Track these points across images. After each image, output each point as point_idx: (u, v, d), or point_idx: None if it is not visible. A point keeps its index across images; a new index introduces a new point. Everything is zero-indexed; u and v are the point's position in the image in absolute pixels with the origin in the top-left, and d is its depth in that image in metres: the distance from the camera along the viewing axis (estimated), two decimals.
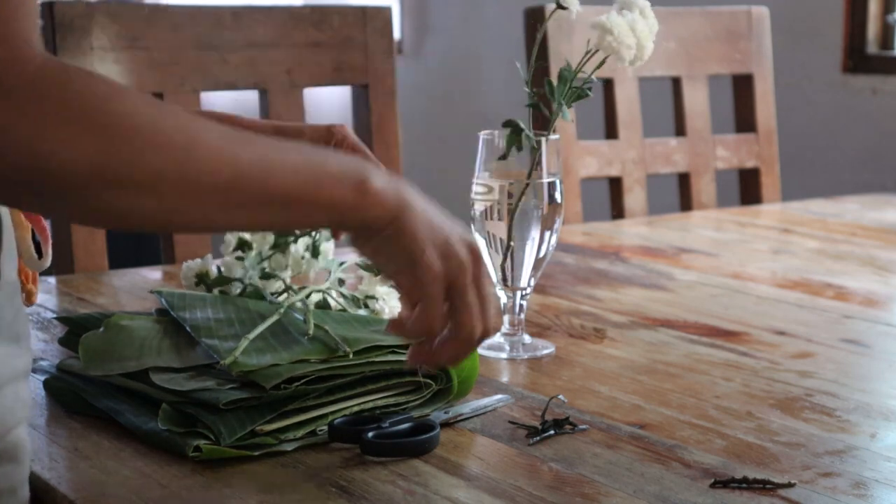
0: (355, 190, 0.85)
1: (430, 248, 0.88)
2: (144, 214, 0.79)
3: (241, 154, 0.81)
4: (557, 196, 1.23)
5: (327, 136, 1.08)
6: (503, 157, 1.21)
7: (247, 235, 1.31)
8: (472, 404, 1.08)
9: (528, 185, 1.22)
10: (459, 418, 1.05)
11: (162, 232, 0.82)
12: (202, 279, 1.32)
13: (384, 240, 0.87)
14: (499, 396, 1.10)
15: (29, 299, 0.98)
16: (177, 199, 0.79)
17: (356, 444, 0.98)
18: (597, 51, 1.20)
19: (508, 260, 1.23)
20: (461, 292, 0.90)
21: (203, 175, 0.79)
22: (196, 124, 0.80)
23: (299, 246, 1.30)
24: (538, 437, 1.02)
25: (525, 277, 1.25)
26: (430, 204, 0.91)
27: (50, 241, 0.98)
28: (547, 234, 1.24)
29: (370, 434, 0.97)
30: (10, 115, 0.73)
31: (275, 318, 1.12)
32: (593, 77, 1.22)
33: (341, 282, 1.29)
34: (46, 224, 0.99)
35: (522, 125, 1.20)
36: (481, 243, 1.25)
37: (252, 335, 1.08)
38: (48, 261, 0.98)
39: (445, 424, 1.04)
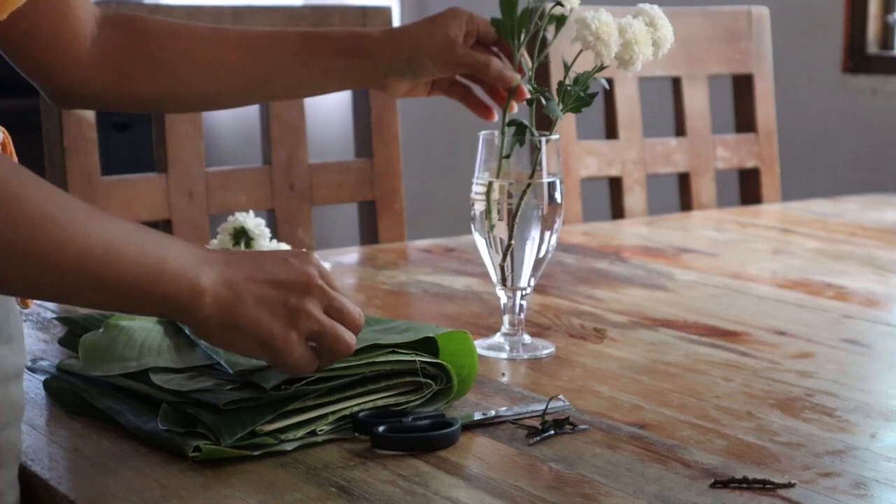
0: (189, 290, 0.88)
1: (276, 324, 0.92)
2: (3, 281, 0.83)
3: (93, 236, 0.83)
4: (557, 196, 1.23)
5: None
6: (507, 155, 1.21)
7: (248, 224, 1.30)
8: (514, 409, 1.08)
9: (529, 185, 1.22)
10: (497, 420, 1.05)
11: (12, 295, 0.90)
12: (238, 236, 1.30)
13: (226, 332, 0.92)
14: (544, 400, 1.09)
15: (24, 302, 0.98)
16: (28, 274, 0.82)
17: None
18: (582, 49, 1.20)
19: (508, 260, 1.23)
20: (320, 335, 0.95)
21: (53, 253, 0.82)
22: (52, 202, 0.82)
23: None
24: (538, 438, 1.02)
25: (525, 277, 1.25)
26: (251, 262, 0.93)
27: None
28: (547, 234, 1.24)
29: (381, 428, 0.98)
30: None
31: None
32: (601, 81, 1.23)
33: None
34: None
35: (527, 124, 1.21)
36: (480, 243, 1.25)
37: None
38: None
39: (477, 424, 1.04)
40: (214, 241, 1.30)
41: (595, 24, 1.18)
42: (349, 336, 0.96)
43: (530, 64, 1.23)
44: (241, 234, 1.29)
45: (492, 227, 1.22)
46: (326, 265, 0.99)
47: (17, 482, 0.93)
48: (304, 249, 1.01)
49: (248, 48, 1.24)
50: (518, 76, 1.21)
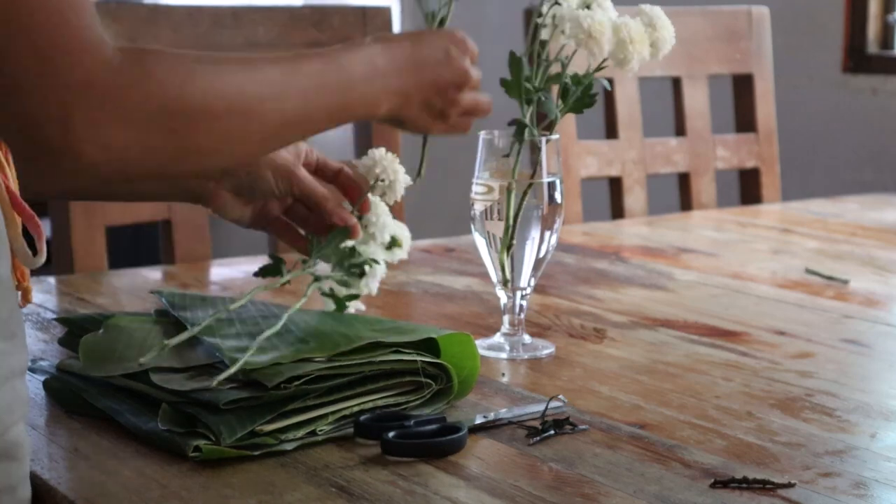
0: (373, 106, 1.05)
1: (433, 121, 1.09)
2: (216, 167, 1.02)
3: (288, 102, 0.96)
4: (557, 196, 1.23)
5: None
6: (507, 154, 1.21)
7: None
8: (516, 410, 1.07)
9: (530, 185, 1.22)
10: (498, 423, 1.05)
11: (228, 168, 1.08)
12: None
13: (394, 123, 1.09)
14: (554, 403, 1.09)
15: (25, 297, 0.98)
16: (240, 152, 0.96)
17: (379, 442, 0.98)
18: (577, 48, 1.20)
19: (508, 260, 1.23)
20: (463, 114, 1.12)
21: (263, 127, 0.95)
22: (252, 84, 0.93)
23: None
24: (538, 438, 1.01)
25: (525, 277, 1.25)
26: (419, 69, 1.07)
27: (44, 238, 0.97)
28: (547, 234, 1.24)
29: (391, 434, 0.98)
30: (97, 120, 0.82)
31: (282, 322, 1.11)
32: (602, 81, 1.23)
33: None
34: (45, 223, 0.99)
35: (528, 123, 1.21)
36: (480, 243, 1.25)
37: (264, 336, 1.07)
38: (42, 257, 0.97)
39: (480, 428, 1.04)
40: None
41: (587, 22, 1.18)
42: (485, 98, 1.13)
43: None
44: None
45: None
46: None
47: (28, 477, 0.93)
48: (457, 32, 1.11)
49: None
50: (354, 220, 1.17)
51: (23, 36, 0.80)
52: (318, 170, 1.21)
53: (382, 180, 1.19)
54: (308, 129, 1.02)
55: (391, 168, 1.19)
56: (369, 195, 1.19)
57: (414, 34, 1.09)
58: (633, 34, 1.19)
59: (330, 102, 1.01)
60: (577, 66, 1.23)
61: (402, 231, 1.23)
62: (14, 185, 0.94)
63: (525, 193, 1.22)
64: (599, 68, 1.22)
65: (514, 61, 1.21)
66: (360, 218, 1.19)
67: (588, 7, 1.21)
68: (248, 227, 1.23)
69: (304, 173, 1.19)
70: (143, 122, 0.84)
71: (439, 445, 0.98)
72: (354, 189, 1.21)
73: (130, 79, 0.83)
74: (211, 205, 1.20)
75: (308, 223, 1.21)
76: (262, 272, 1.16)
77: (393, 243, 1.22)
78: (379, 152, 1.19)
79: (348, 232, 1.17)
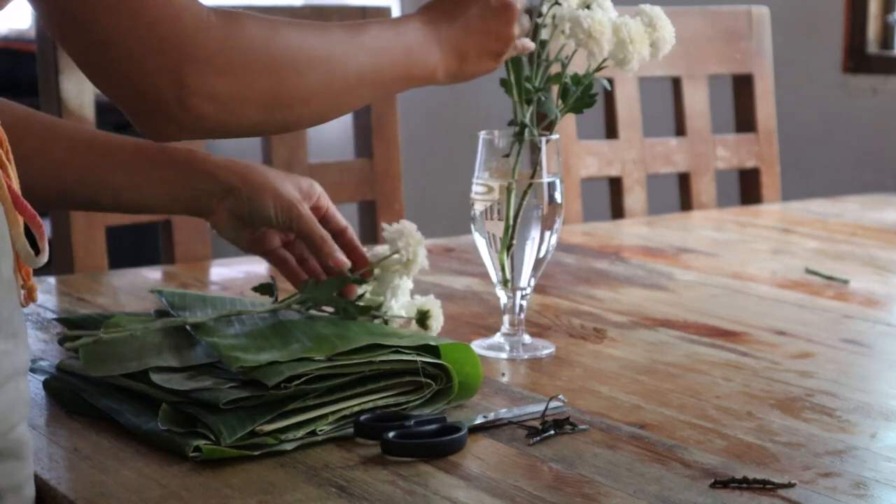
0: (431, 70, 1.12)
1: (492, 63, 1.16)
2: (301, 122, 1.08)
3: (362, 59, 1.06)
4: (557, 196, 1.23)
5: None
6: (508, 154, 1.21)
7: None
8: (516, 410, 1.07)
9: (530, 185, 1.22)
10: (498, 423, 1.05)
11: (313, 126, 1.13)
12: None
13: (462, 79, 1.16)
14: (554, 403, 1.09)
15: (30, 296, 0.98)
16: (324, 105, 1.05)
17: (379, 442, 0.98)
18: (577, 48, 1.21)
19: (508, 260, 1.24)
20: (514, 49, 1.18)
21: (341, 83, 1.04)
22: (328, 40, 1.03)
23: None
24: (538, 438, 1.02)
25: (525, 277, 1.25)
26: (467, 23, 1.14)
27: (46, 238, 0.97)
28: (547, 234, 1.24)
29: (391, 434, 0.98)
30: (204, 76, 0.93)
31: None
32: (602, 81, 1.23)
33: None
34: (45, 222, 0.99)
35: (529, 124, 1.21)
36: (480, 243, 1.25)
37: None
38: (45, 257, 0.97)
39: (480, 428, 1.04)
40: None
41: (588, 22, 1.18)
42: (528, 40, 1.19)
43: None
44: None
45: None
46: None
47: (32, 477, 0.93)
48: None
49: (77, 144, 1.19)
50: (348, 263, 1.19)
51: (128, 8, 0.90)
52: (325, 219, 1.22)
53: (400, 256, 1.19)
54: (378, 88, 1.10)
55: (413, 249, 1.19)
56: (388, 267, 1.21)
57: None
58: (633, 34, 1.19)
59: (395, 61, 1.08)
60: (578, 67, 1.23)
61: (431, 305, 1.24)
62: (16, 184, 0.94)
63: (525, 193, 1.22)
64: (599, 68, 1.22)
65: (514, 61, 1.21)
66: (359, 281, 1.20)
67: (588, 7, 1.21)
68: (245, 251, 1.23)
69: (306, 211, 1.19)
70: (241, 72, 0.95)
71: (439, 445, 0.98)
72: (357, 254, 1.22)
73: (227, 36, 0.94)
74: (210, 220, 1.20)
75: (305, 263, 1.22)
76: (258, 289, 1.20)
77: (424, 317, 1.24)
78: (408, 227, 1.20)
79: (344, 281, 1.19)
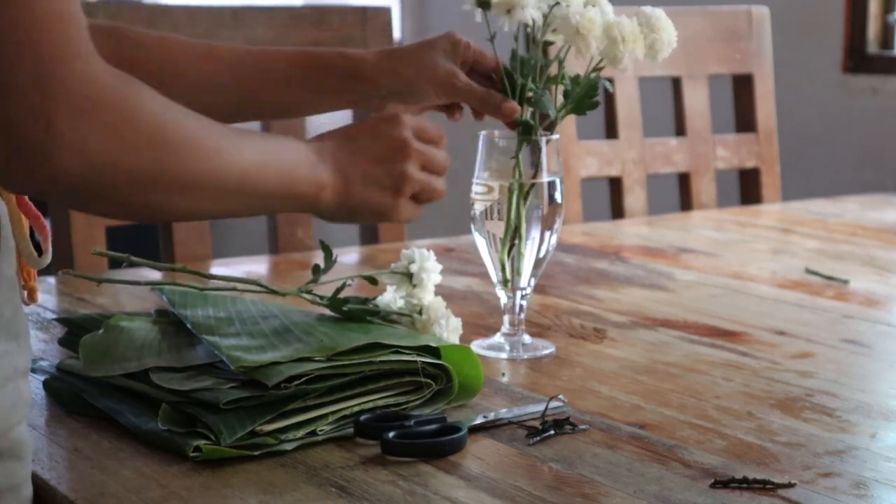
0: (316, 187, 1.00)
1: (386, 197, 1.05)
2: (172, 212, 0.96)
3: (246, 158, 0.95)
4: (557, 196, 1.23)
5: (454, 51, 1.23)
6: (514, 156, 1.21)
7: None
8: (516, 410, 1.07)
9: (533, 185, 1.22)
10: (498, 423, 1.05)
11: (175, 222, 0.99)
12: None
13: (346, 212, 1.04)
14: (554, 403, 1.09)
15: (31, 297, 0.98)
16: (200, 199, 0.93)
17: (379, 442, 0.98)
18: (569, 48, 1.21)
19: (509, 259, 1.24)
20: (424, 189, 1.08)
21: (223, 179, 0.93)
22: (218, 134, 0.93)
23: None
24: (538, 438, 1.01)
25: (525, 277, 1.25)
26: (357, 146, 1.04)
27: (50, 239, 0.98)
28: (547, 234, 1.24)
29: (391, 434, 0.98)
30: (82, 129, 0.82)
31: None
32: (604, 82, 1.22)
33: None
34: (46, 222, 0.99)
35: (533, 123, 1.21)
36: (480, 243, 1.25)
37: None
38: (48, 258, 0.98)
39: (480, 427, 1.04)
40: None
41: (576, 19, 1.18)
42: (440, 184, 1.09)
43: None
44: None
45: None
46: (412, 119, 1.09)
47: (30, 476, 0.93)
48: (391, 112, 1.09)
49: (240, 65, 1.23)
50: (517, 108, 1.21)
51: (22, 37, 0.80)
52: (476, 64, 1.24)
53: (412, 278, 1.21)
54: (260, 199, 0.98)
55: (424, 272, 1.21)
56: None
57: (342, 127, 1.08)
58: (625, 33, 1.19)
59: (280, 170, 0.98)
60: (578, 67, 1.23)
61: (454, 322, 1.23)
62: None
63: (528, 194, 1.22)
64: (597, 69, 1.22)
65: (515, 61, 1.21)
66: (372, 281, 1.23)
67: (585, 7, 1.21)
68: (416, 114, 1.28)
69: (462, 85, 1.22)
70: (122, 139, 0.84)
71: (439, 445, 0.98)
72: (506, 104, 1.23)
73: (118, 96, 0.84)
74: (375, 110, 1.25)
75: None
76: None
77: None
78: (420, 254, 1.21)
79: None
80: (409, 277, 1.21)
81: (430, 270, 1.21)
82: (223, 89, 1.23)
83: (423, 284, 1.20)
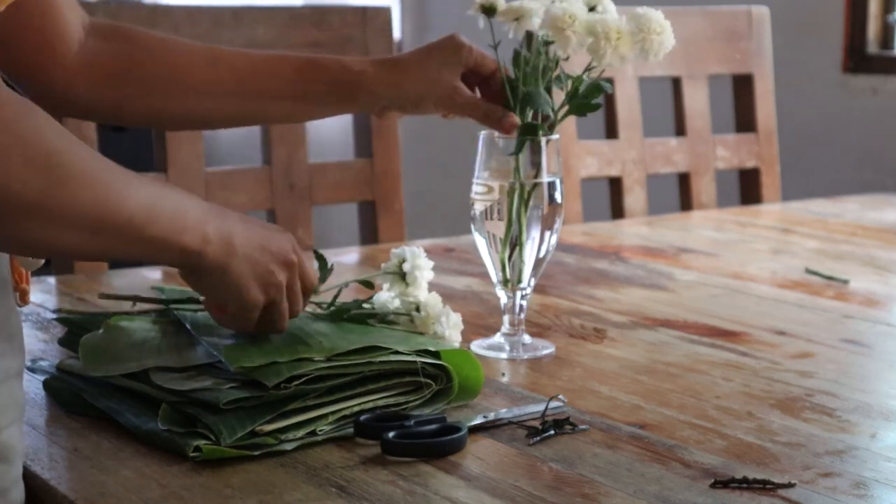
0: (202, 240, 0.97)
1: (254, 285, 1.03)
2: (58, 247, 0.90)
3: (139, 197, 0.92)
4: (557, 196, 1.23)
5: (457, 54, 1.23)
6: (514, 153, 1.21)
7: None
8: (516, 410, 1.07)
9: (535, 185, 1.22)
10: (498, 423, 1.05)
11: (51, 257, 0.96)
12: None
13: (214, 279, 1.01)
14: (554, 403, 1.09)
15: (23, 299, 0.98)
16: (86, 235, 0.89)
17: (379, 442, 0.98)
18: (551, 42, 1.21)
19: (510, 259, 1.24)
20: (277, 307, 1.06)
21: (112, 215, 0.90)
22: (111, 170, 0.90)
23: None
24: (538, 438, 1.01)
25: (525, 277, 1.25)
26: (248, 226, 1.02)
27: None
28: (547, 234, 1.24)
29: (391, 434, 0.98)
30: None
31: None
32: (604, 84, 1.22)
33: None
34: None
35: (536, 124, 1.21)
36: (480, 243, 1.25)
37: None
38: (41, 260, 0.98)
39: (480, 427, 1.04)
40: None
41: (556, 13, 1.18)
42: (287, 313, 1.07)
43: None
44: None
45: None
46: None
47: (21, 480, 0.93)
48: (283, 232, 1.08)
49: (243, 70, 1.23)
50: (517, 122, 1.21)
51: None
52: (476, 68, 1.24)
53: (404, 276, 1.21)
54: (143, 243, 0.93)
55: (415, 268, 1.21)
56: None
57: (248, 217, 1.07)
58: (608, 29, 1.18)
59: (172, 215, 0.95)
60: (578, 67, 1.23)
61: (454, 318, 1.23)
62: None
63: (530, 194, 1.22)
64: (590, 68, 1.21)
65: (517, 61, 1.21)
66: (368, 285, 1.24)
67: (592, 8, 1.21)
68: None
69: (463, 100, 1.22)
70: (10, 161, 0.81)
71: (439, 445, 0.98)
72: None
73: (12, 116, 0.82)
74: (377, 116, 1.28)
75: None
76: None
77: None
78: (411, 252, 1.21)
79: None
80: (402, 276, 1.21)
81: (423, 267, 1.21)
82: (225, 96, 1.23)
83: (417, 282, 1.20)
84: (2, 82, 0.82)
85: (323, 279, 1.17)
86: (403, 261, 1.21)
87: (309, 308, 1.19)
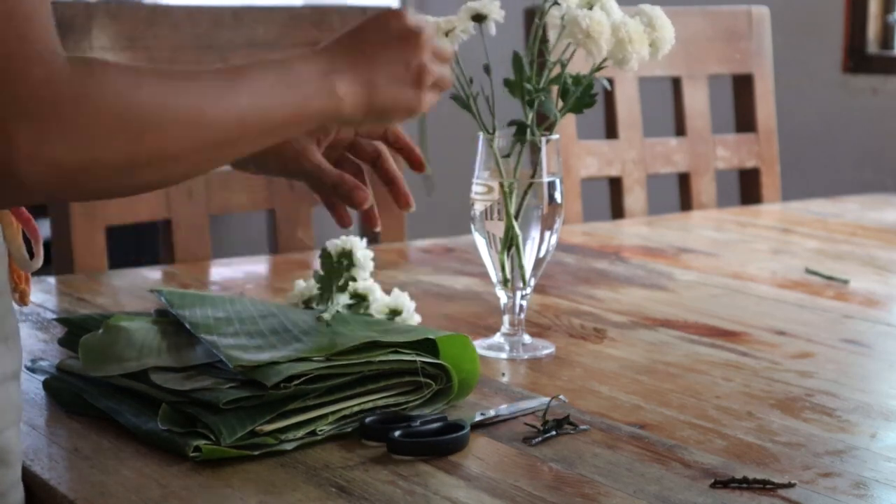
0: (335, 104, 0.97)
1: (409, 91, 1.02)
2: (171, 179, 0.92)
3: (241, 104, 0.91)
4: (557, 196, 1.23)
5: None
6: (507, 155, 1.21)
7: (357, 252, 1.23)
8: (515, 406, 1.08)
9: (531, 184, 1.22)
10: (496, 419, 1.05)
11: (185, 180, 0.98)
12: (343, 258, 1.23)
13: (376, 116, 1.02)
14: (544, 399, 1.09)
15: (23, 300, 0.98)
16: (200, 159, 0.90)
17: (385, 443, 0.99)
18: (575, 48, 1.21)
19: (510, 259, 1.24)
20: (435, 82, 1.05)
21: (217, 134, 0.90)
22: (198, 90, 0.89)
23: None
24: (539, 439, 1.01)
25: (525, 277, 1.25)
26: (364, 46, 1.01)
27: (41, 242, 0.97)
28: (547, 234, 1.24)
29: (397, 433, 0.98)
30: (43, 139, 0.78)
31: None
32: (603, 81, 1.22)
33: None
34: (45, 224, 0.99)
35: (528, 124, 1.21)
36: (480, 243, 1.25)
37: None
38: (39, 261, 0.98)
39: (480, 425, 1.04)
40: (301, 284, 1.26)
41: (586, 22, 1.18)
42: (448, 72, 1.07)
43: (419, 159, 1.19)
44: (347, 257, 1.22)
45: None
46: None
47: (20, 482, 0.93)
48: (390, 8, 1.06)
49: None
50: (370, 199, 1.13)
51: None
52: (354, 147, 1.18)
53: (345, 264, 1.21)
54: (273, 132, 0.95)
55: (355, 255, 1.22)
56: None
57: (349, 30, 1.03)
58: (632, 34, 1.19)
59: (286, 100, 0.95)
60: (578, 66, 1.23)
61: (403, 299, 1.25)
62: None
63: (525, 193, 1.22)
64: (599, 68, 1.22)
65: (516, 62, 1.21)
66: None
67: (591, 7, 1.21)
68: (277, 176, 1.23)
69: (310, 166, 1.13)
70: (91, 134, 0.81)
71: (445, 443, 0.98)
72: (412, 157, 1.19)
73: (80, 91, 0.80)
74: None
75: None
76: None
77: (394, 313, 1.25)
78: (353, 241, 1.22)
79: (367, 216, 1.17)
80: (345, 266, 1.22)
81: (361, 247, 1.23)
82: None
83: (363, 265, 1.22)
84: (62, 55, 0.80)
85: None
86: (345, 251, 1.22)
87: (309, 312, 1.19)
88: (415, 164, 1.19)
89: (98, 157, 0.82)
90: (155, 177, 0.88)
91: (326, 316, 1.15)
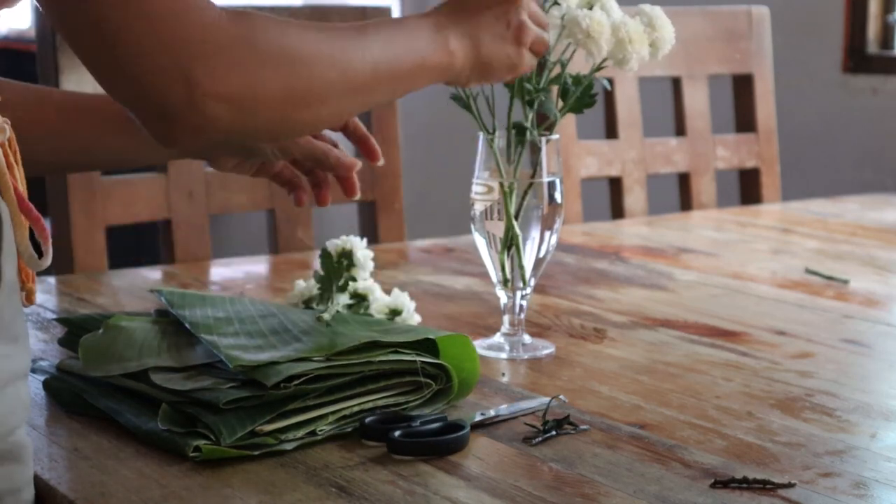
0: (448, 61, 1.07)
1: (511, 48, 1.10)
2: (320, 121, 1.03)
3: (374, 52, 1.01)
4: (557, 196, 1.23)
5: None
6: (509, 159, 1.21)
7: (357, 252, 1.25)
8: (515, 406, 1.08)
9: (531, 184, 1.22)
10: (496, 419, 1.05)
11: (328, 128, 1.14)
12: (343, 258, 1.24)
13: (480, 72, 1.10)
14: (544, 399, 1.09)
15: (29, 298, 0.98)
16: (342, 102, 1.00)
17: (385, 443, 0.99)
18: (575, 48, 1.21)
19: (510, 259, 1.24)
20: (533, 42, 1.12)
21: (356, 78, 1.00)
22: (335, 38, 0.99)
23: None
24: (539, 439, 1.01)
25: (525, 277, 1.25)
26: (467, 4, 1.09)
27: (50, 241, 0.97)
28: (547, 234, 1.24)
29: (397, 433, 0.98)
30: (216, 74, 0.89)
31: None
32: (602, 80, 1.22)
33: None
34: (47, 223, 0.99)
35: (527, 126, 1.21)
36: (480, 243, 1.25)
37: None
38: (48, 260, 0.98)
39: (480, 425, 1.04)
40: (300, 283, 1.27)
41: (586, 22, 1.18)
42: (546, 36, 1.14)
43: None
44: (347, 257, 1.24)
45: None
46: None
47: (32, 481, 0.93)
48: None
49: (70, 111, 1.20)
50: (358, 162, 1.21)
51: (138, 6, 0.87)
52: (318, 138, 1.22)
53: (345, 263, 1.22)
54: (399, 82, 1.04)
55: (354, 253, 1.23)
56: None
57: None
58: (632, 34, 1.19)
59: (409, 51, 1.04)
60: (578, 66, 1.23)
61: (403, 299, 1.26)
62: (22, 187, 0.94)
63: (525, 193, 1.22)
64: (599, 68, 1.22)
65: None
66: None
67: (590, 7, 1.21)
68: (252, 176, 1.28)
69: (300, 142, 1.19)
70: (253, 70, 0.91)
71: (445, 443, 0.98)
72: (368, 146, 1.23)
73: (238, 32, 0.90)
74: (210, 162, 1.26)
75: (312, 174, 1.26)
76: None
77: (394, 313, 1.25)
78: (353, 241, 1.24)
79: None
80: (345, 266, 1.23)
81: (361, 247, 1.24)
82: (52, 137, 1.19)
83: (363, 265, 1.23)
84: (214, 5, 0.90)
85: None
86: (346, 250, 1.23)
87: (309, 312, 1.20)
88: (371, 154, 1.23)
89: (260, 90, 0.91)
90: (308, 117, 0.98)
91: (326, 316, 1.15)
